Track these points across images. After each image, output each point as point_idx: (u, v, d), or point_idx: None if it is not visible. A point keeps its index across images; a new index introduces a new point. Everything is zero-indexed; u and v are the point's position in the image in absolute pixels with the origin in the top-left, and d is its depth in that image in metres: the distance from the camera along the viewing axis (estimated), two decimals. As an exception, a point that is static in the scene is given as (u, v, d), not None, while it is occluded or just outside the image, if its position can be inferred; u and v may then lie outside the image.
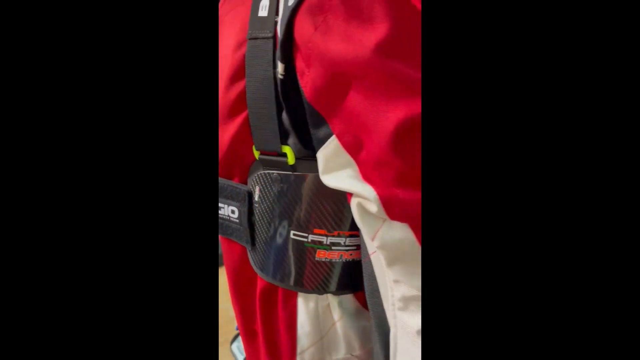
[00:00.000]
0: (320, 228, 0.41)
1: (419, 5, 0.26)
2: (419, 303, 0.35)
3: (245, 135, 0.40)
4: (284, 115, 0.36)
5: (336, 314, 0.47)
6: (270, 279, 0.45)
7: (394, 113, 0.27)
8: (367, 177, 0.31)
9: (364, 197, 0.31)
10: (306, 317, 0.46)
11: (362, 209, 0.32)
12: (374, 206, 0.31)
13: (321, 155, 0.33)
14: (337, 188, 0.33)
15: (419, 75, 0.26)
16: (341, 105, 0.30)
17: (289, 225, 0.42)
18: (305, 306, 0.46)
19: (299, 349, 0.48)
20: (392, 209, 0.30)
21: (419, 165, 0.29)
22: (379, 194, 0.30)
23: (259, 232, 0.44)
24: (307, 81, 0.30)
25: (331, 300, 0.46)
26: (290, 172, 0.39)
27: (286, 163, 0.39)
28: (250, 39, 0.35)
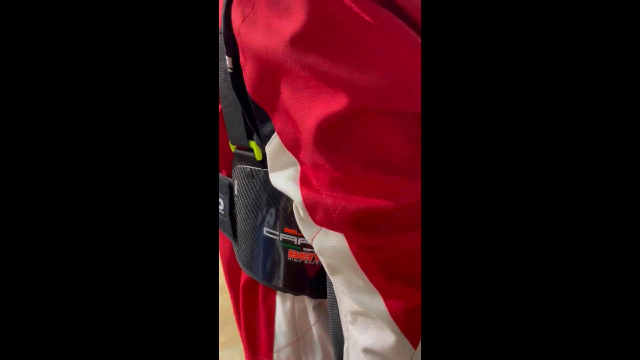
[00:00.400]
0: (290, 228, 0.40)
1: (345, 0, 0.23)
2: (366, 319, 0.32)
3: (222, 128, 0.40)
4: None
5: (312, 317, 0.46)
6: (249, 273, 0.45)
7: (315, 111, 0.26)
8: (306, 178, 0.30)
9: (295, 200, 0.30)
10: (283, 317, 0.46)
11: (297, 212, 0.31)
12: (300, 210, 0.29)
13: (267, 152, 0.32)
14: (278, 188, 0.32)
15: (338, 69, 0.24)
16: (277, 100, 0.28)
17: (262, 222, 0.41)
18: (282, 305, 0.46)
19: (275, 346, 0.48)
20: (316, 214, 0.28)
21: (348, 167, 0.27)
22: (303, 197, 0.29)
23: (239, 225, 0.44)
24: (247, 74, 0.29)
25: (307, 303, 0.45)
26: (260, 168, 0.39)
27: (255, 158, 0.38)
28: (220, 32, 0.35)
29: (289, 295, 0.45)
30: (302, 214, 0.30)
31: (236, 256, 0.47)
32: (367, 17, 0.23)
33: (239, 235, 0.45)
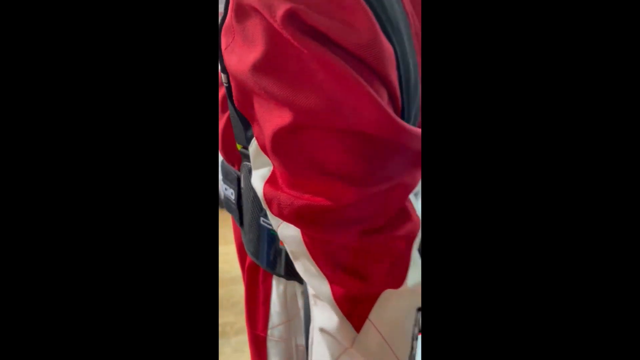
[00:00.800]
0: None
1: (287, 36, 0.29)
2: (321, 302, 0.38)
3: (230, 129, 0.47)
4: None
5: (301, 301, 0.51)
6: (255, 261, 0.52)
7: (270, 123, 0.32)
8: (274, 177, 0.36)
9: (259, 195, 0.36)
10: (277, 298, 0.52)
11: (264, 205, 0.37)
12: (263, 203, 0.35)
13: (250, 152, 0.39)
14: (253, 184, 0.38)
15: (285, 92, 0.30)
16: (252, 111, 0.35)
17: (259, 212, 0.48)
18: (276, 287, 0.52)
19: (270, 323, 0.54)
20: (271, 207, 0.34)
21: (298, 171, 0.32)
22: (264, 192, 0.35)
23: (245, 215, 0.51)
24: (232, 90, 0.36)
25: (297, 288, 0.51)
26: None
27: None
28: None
29: (282, 279, 0.51)
30: (265, 205, 0.36)
31: (243, 242, 0.54)
32: (306, 52, 0.29)
33: (244, 223, 0.51)
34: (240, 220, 0.52)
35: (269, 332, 0.54)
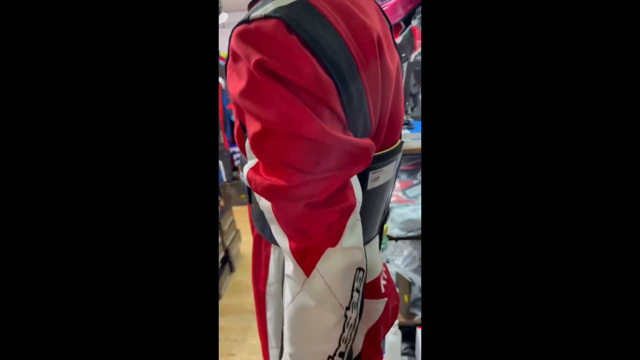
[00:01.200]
0: None
1: (257, 75, 0.45)
2: (287, 256, 0.53)
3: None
4: None
5: None
6: (262, 234, 0.69)
7: (249, 130, 0.48)
8: (258, 166, 0.52)
9: (243, 177, 0.52)
10: (273, 261, 0.69)
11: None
12: (246, 181, 0.52)
13: (246, 147, 0.55)
14: (243, 172, 0.55)
15: (256, 109, 0.46)
16: (245, 121, 0.51)
17: None
18: (274, 253, 0.68)
19: (268, 281, 0.70)
20: (251, 184, 0.51)
21: (268, 163, 0.48)
22: (247, 174, 0.51)
23: (252, 195, 0.68)
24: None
25: None
26: None
27: None
28: None
29: (277, 247, 0.67)
30: (247, 185, 0.52)
31: (252, 217, 0.71)
32: (269, 86, 0.45)
33: (252, 202, 0.68)
34: (249, 199, 0.69)
35: (267, 288, 0.71)
